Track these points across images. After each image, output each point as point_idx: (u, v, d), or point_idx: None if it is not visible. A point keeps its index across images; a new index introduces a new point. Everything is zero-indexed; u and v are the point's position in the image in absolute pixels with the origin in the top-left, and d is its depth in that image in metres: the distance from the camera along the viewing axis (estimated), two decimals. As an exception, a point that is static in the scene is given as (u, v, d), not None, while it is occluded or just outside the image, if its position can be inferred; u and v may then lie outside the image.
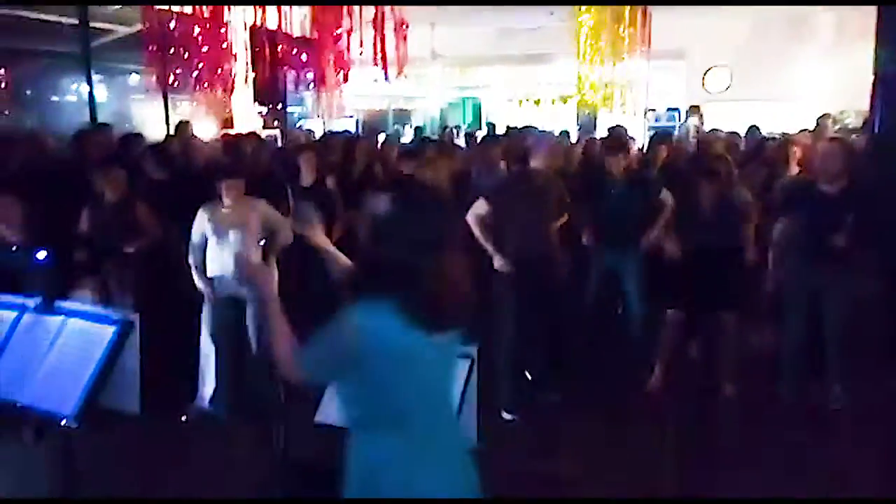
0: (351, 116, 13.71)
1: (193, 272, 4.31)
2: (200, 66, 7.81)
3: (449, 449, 1.88)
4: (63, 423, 2.39)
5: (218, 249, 4.25)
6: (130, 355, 2.54)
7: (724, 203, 4.47)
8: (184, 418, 4.32)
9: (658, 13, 10.04)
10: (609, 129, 7.56)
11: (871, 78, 5.13)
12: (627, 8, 9.73)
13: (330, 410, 2.41)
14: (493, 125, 10.22)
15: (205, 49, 7.71)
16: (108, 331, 2.56)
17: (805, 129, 7.43)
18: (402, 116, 15.13)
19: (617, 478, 3.58)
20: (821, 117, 7.62)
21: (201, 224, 4.27)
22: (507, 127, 7.50)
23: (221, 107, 9.84)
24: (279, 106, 10.89)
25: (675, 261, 4.52)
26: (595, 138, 7.77)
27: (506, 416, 4.27)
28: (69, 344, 2.60)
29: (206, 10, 7.75)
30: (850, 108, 10.35)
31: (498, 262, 4.34)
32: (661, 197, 4.84)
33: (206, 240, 4.28)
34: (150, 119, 9.44)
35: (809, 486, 3.47)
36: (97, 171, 4.69)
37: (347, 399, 1.84)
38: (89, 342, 2.57)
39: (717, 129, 7.90)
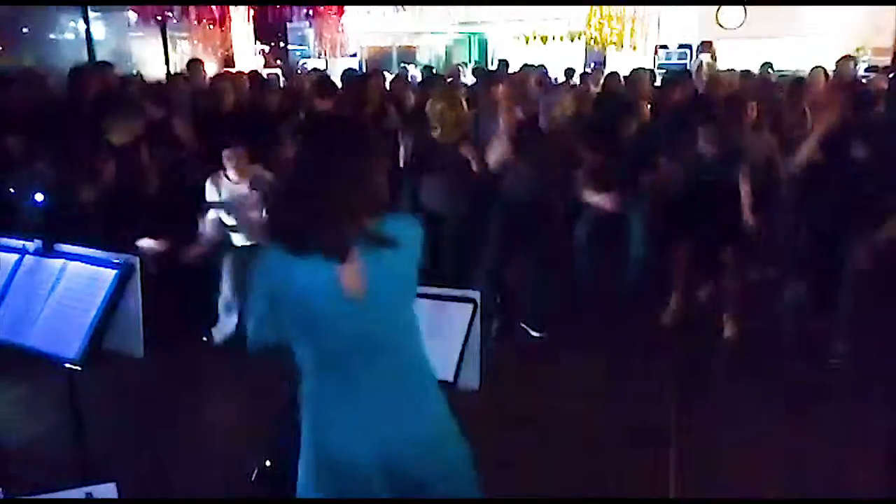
0: (354, 55, 13.44)
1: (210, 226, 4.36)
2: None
3: (392, 391, 1.79)
4: (67, 365, 2.40)
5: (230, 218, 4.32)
6: (132, 298, 2.53)
7: (727, 145, 4.46)
8: (204, 339, 4.50)
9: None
10: (632, 71, 7.36)
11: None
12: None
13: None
14: (506, 62, 9.86)
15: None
16: (110, 274, 2.55)
17: (819, 67, 7.19)
18: (407, 54, 14.79)
19: (617, 413, 3.63)
20: (840, 60, 7.30)
21: (211, 195, 4.33)
22: (524, 64, 7.25)
23: (222, 45, 9.63)
24: (281, 44, 10.68)
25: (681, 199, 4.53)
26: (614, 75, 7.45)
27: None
28: (71, 287, 2.60)
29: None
30: (867, 45, 10.06)
31: None
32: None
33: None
34: (150, 57, 9.27)
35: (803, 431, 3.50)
36: (111, 122, 4.56)
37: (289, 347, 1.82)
38: (91, 285, 2.56)
39: (731, 70, 7.66)
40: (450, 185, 4.44)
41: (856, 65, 7.21)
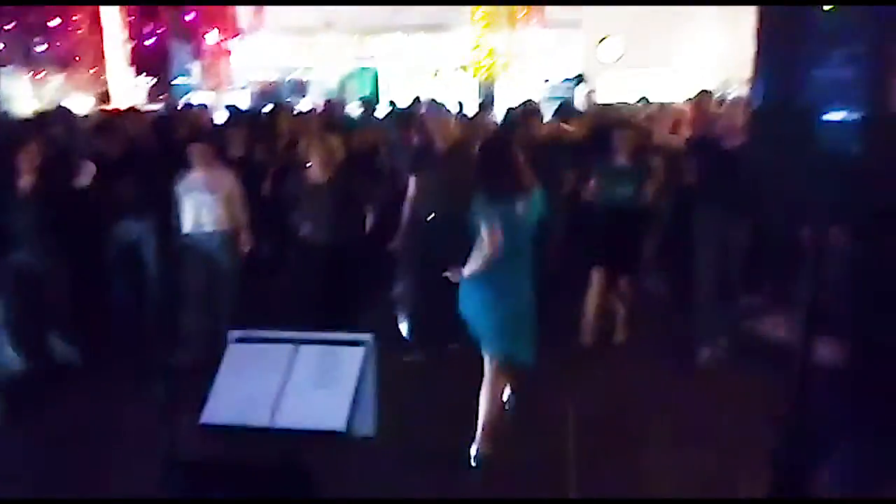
0: (244, 88, 13.13)
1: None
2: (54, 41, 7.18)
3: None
4: None
5: (192, 210, 4.70)
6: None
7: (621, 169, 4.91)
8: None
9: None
10: (524, 104, 7.53)
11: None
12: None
13: (216, 411, 2.25)
14: (393, 102, 9.90)
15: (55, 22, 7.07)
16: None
17: (694, 98, 7.60)
18: (299, 88, 14.58)
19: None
20: (700, 93, 7.78)
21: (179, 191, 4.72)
22: (416, 98, 7.35)
23: (96, 81, 9.13)
24: (165, 78, 10.27)
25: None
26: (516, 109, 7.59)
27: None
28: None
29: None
30: (735, 77, 10.76)
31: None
32: None
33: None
34: (16, 94, 8.63)
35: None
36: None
37: None
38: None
39: (613, 105, 8.02)
40: (333, 215, 4.54)
41: (710, 97, 7.66)
